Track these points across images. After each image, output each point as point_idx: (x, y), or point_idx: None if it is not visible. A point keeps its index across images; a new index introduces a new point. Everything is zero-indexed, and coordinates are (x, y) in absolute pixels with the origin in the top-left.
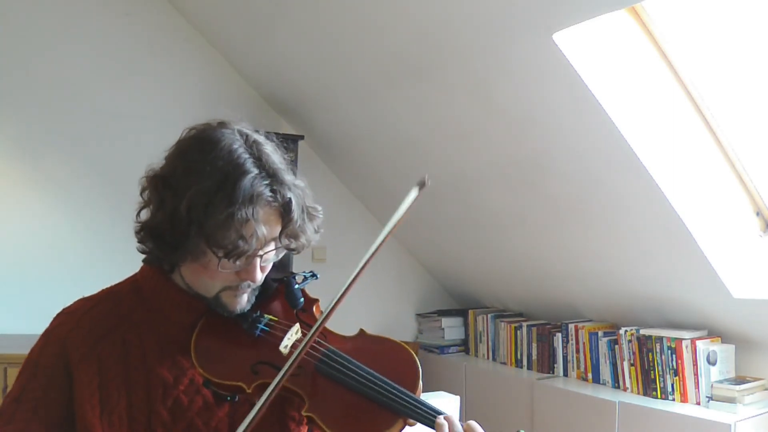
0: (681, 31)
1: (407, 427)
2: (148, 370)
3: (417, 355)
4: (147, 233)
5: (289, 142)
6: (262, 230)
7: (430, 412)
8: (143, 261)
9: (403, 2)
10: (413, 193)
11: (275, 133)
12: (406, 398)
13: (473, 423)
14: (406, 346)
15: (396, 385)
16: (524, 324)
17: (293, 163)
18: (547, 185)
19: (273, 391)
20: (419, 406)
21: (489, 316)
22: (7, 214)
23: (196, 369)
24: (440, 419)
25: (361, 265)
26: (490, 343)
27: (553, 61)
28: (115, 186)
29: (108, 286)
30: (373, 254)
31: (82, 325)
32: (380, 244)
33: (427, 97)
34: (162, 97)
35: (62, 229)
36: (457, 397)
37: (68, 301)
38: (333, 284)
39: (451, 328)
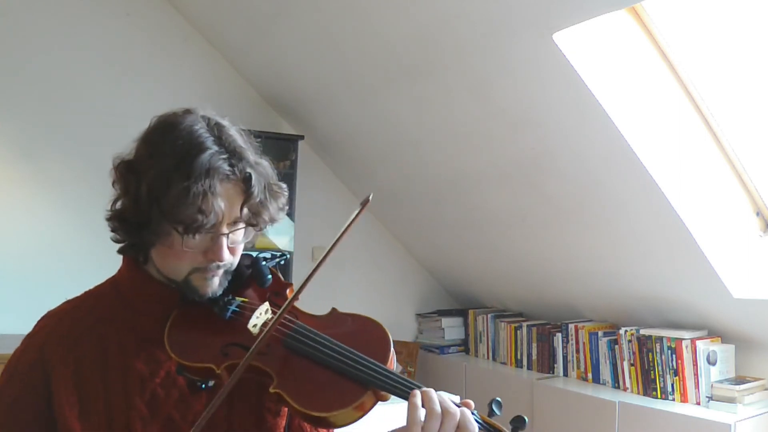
0: (681, 31)
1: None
2: (125, 365)
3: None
4: (116, 220)
5: (288, 143)
6: (219, 204)
7: (403, 383)
8: (118, 251)
9: (403, 2)
10: (356, 211)
11: (275, 133)
12: (375, 369)
13: (442, 393)
14: (377, 321)
15: (365, 357)
16: (524, 324)
17: (293, 163)
18: (547, 185)
19: (240, 369)
20: (389, 376)
21: (489, 316)
22: (7, 214)
23: (170, 357)
24: (416, 394)
25: (315, 266)
26: (490, 343)
27: (553, 61)
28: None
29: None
30: (326, 255)
31: (61, 327)
32: (326, 255)
33: (427, 97)
34: (162, 97)
35: (62, 229)
36: (457, 397)
37: (55, 306)
38: (333, 284)
39: (451, 328)
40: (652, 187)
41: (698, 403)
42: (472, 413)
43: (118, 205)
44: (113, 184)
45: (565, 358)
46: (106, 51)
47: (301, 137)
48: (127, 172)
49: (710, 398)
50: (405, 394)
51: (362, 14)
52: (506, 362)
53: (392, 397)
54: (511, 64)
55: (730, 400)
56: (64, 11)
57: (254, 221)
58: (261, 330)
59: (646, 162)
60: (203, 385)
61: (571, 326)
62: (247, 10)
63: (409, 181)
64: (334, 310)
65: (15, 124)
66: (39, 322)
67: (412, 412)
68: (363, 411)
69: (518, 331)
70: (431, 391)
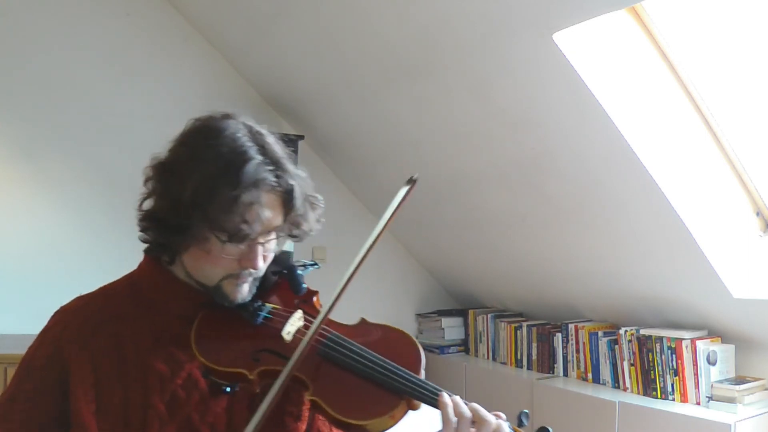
0: (681, 31)
1: (410, 413)
2: (144, 365)
3: None
4: (150, 221)
5: (288, 143)
6: (266, 214)
7: (434, 391)
8: (144, 251)
9: (403, 2)
10: (402, 191)
11: (275, 133)
12: (410, 379)
13: (476, 405)
14: (407, 332)
15: (400, 367)
16: (524, 324)
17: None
18: (547, 185)
19: (287, 375)
20: (423, 386)
21: (489, 316)
22: (7, 214)
23: (196, 359)
24: (444, 397)
25: (356, 262)
26: (490, 343)
27: (553, 61)
28: (115, 186)
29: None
30: (369, 250)
31: (75, 323)
32: (374, 242)
33: (427, 97)
34: (162, 97)
35: (62, 229)
36: (457, 397)
37: (68, 301)
38: (333, 284)
39: (451, 328)
40: (652, 187)
41: (698, 403)
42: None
43: (151, 205)
44: (145, 183)
45: (565, 358)
46: (106, 51)
47: (301, 137)
48: (166, 173)
49: (710, 398)
50: (436, 402)
51: (362, 14)
52: (506, 362)
53: (423, 405)
54: (511, 64)
55: (730, 400)
56: (64, 11)
57: (294, 232)
58: (295, 337)
59: (646, 162)
60: (227, 389)
61: (571, 326)
62: (247, 10)
63: None
64: (363, 320)
65: (15, 124)
66: (53, 317)
67: (444, 410)
68: (396, 419)
69: (518, 331)
70: (459, 398)
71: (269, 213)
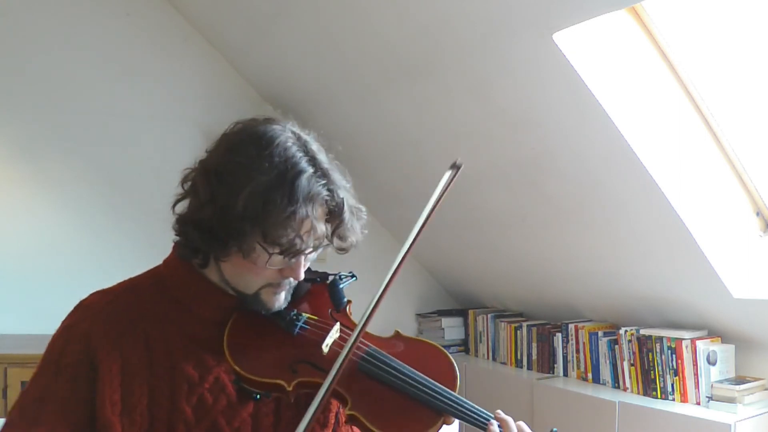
0: (681, 31)
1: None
2: (172, 367)
3: None
4: (193, 226)
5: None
6: (322, 228)
7: (475, 411)
8: (177, 254)
9: (403, 2)
10: (446, 176)
11: None
12: (449, 397)
13: (522, 424)
14: (441, 347)
15: (439, 384)
16: (524, 324)
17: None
18: (547, 185)
19: (328, 388)
20: (462, 404)
21: (489, 316)
22: (8, 214)
23: (224, 363)
24: (493, 426)
25: (399, 259)
26: (490, 343)
27: (553, 61)
28: (116, 186)
29: (108, 285)
30: (412, 244)
31: (104, 319)
32: (419, 232)
33: (427, 97)
34: (162, 97)
35: (62, 229)
36: (508, 418)
37: (68, 301)
38: None
39: (451, 328)
40: (652, 187)
41: (698, 403)
42: None
43: (193, 209)
44: (182, 184)
45: (565, 358)
46: (106, 51)
47: None
48: (214, 180)
49: (710, 398)
50: (479, 423)
51: (362, 14)
52: (506, 362)
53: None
54: (511, 64)
55: (730, 400)
56: (64, 11)
57: (342, 245)
58: (332, 350)
59: (646, 162)
60: (257, 396)
61: (571, 326)
62: (247, 10)
63: (409, 181)
64: (397, 332)
65: (15, 124)
66: (75, 313)
67: None
68: None
69: (518, 331)
70: (510, 420)
71: (323, 227)
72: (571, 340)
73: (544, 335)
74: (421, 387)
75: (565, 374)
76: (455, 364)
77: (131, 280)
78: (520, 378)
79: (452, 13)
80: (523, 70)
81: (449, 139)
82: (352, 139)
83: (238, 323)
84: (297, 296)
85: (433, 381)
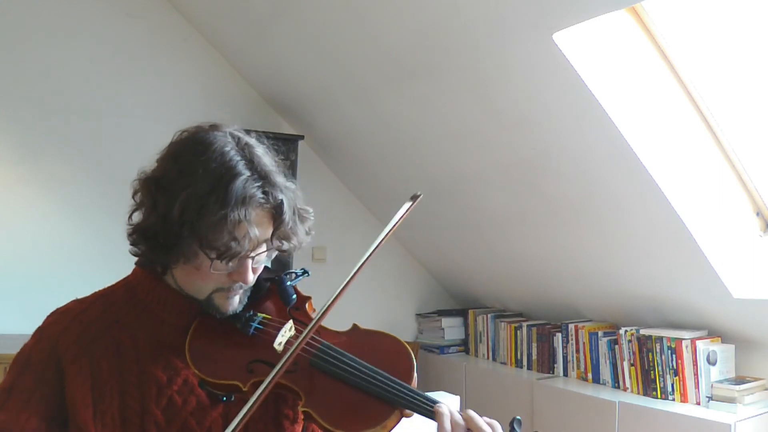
0: (681, 31)
1: (404, 420)
2: (141, 371)
3: (417, 355)
4: (140, 235)
5: (288, 143)
6: (255, 232)
7: (427, 401)
8: (136, 264)
9: (403, 2)
10: (405, 206)
11: (275, 133)
12: (402, 389)
13: (471, 411)
14: (399, 339)
15: (391, 377)
16: (524, 324)
17: (293, 164)
18: (546, 185)
19: (266, 387)
20: (416, 396)
21: (489, 316)
22: (8, 214)
23: (190, 369)
24: (441, 407)
25: (356, 268)
26: (490, 343)
27: (553, 61)
28: (116, 186)
29: (108, 284)
30: (367, 258)
31: (75, 326)
32: (374, 250)
33: (427, 97)
34: (162, 97)
35: (62, 229)
36: (457, 397)
37: (67, 302)
38: (333, 284)
39: (451, 328)
40: (651, 187)
41: (698, 403)
42: None
43: (140, 219)
44: (134, 196)
45: (565, 358)
46: (106, 51)
47: (301, 137)
48: (154, 188)
49: (710, 398)
50: (429, 412)
51: (362, 14)
52: (506, 362)
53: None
54: (511, 64)
55: (730, 400)
56: (65, 11)
57: (283, 247)
58: (286, 348)
59: (646, 162)
60: (224, 398)
61: (571, 326)
62: (246, 10)
63: (409, 181)
64: (355, 326)
65: (15, 124)
66: (48, 317)
67: (440, 421)
68: (389, 429)
69: (518, 331)
70: (452, 407)
71: (258, 230)
72: (571, 340)
73: (544, 335)
74: (372, 380)
75: (565, 374)
76: (412, 355)
77: (105, 289)
78: (520, 378)
79: (452, 14)
80: (522, 70)
81: (449, 140)
82: (352, 139)
83: (200, 327)
84: (258, 296)
85: (385, 374)
